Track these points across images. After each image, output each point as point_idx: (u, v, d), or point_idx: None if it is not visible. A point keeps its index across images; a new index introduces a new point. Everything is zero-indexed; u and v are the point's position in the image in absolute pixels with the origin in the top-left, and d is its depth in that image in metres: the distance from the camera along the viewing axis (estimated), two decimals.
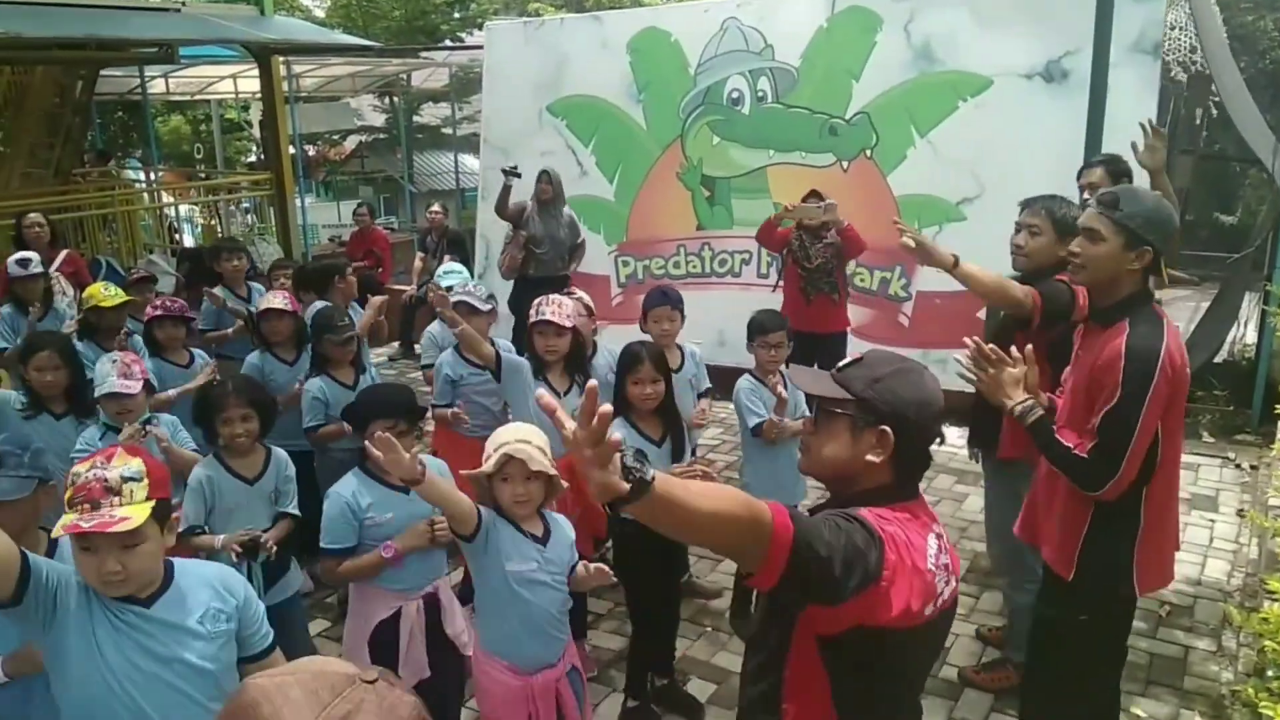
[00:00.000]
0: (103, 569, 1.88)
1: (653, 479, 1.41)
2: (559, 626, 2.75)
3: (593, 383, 1.41)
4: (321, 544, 2.94)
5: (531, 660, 2.69)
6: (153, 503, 1.93)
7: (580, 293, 4.44)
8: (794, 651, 1.76)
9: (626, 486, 1.38)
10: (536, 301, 3.88)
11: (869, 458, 1.75)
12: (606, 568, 2.74)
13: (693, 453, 4.15)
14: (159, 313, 4.51)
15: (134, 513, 1.88)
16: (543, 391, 1.46)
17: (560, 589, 2.73)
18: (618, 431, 3.33)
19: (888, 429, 1.74)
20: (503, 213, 6.97)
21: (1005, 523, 3.54)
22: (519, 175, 6.87)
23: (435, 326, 4.54)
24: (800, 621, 1.71)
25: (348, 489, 2.98)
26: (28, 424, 3.67)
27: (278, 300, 4.54)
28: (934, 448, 1.83)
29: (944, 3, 6.56)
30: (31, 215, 6.14)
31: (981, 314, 4.30)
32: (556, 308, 3.78)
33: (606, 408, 1.35)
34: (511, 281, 6.97)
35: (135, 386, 3.48)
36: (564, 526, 2.82)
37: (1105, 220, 2.57)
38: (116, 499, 1.89)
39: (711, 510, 1.48)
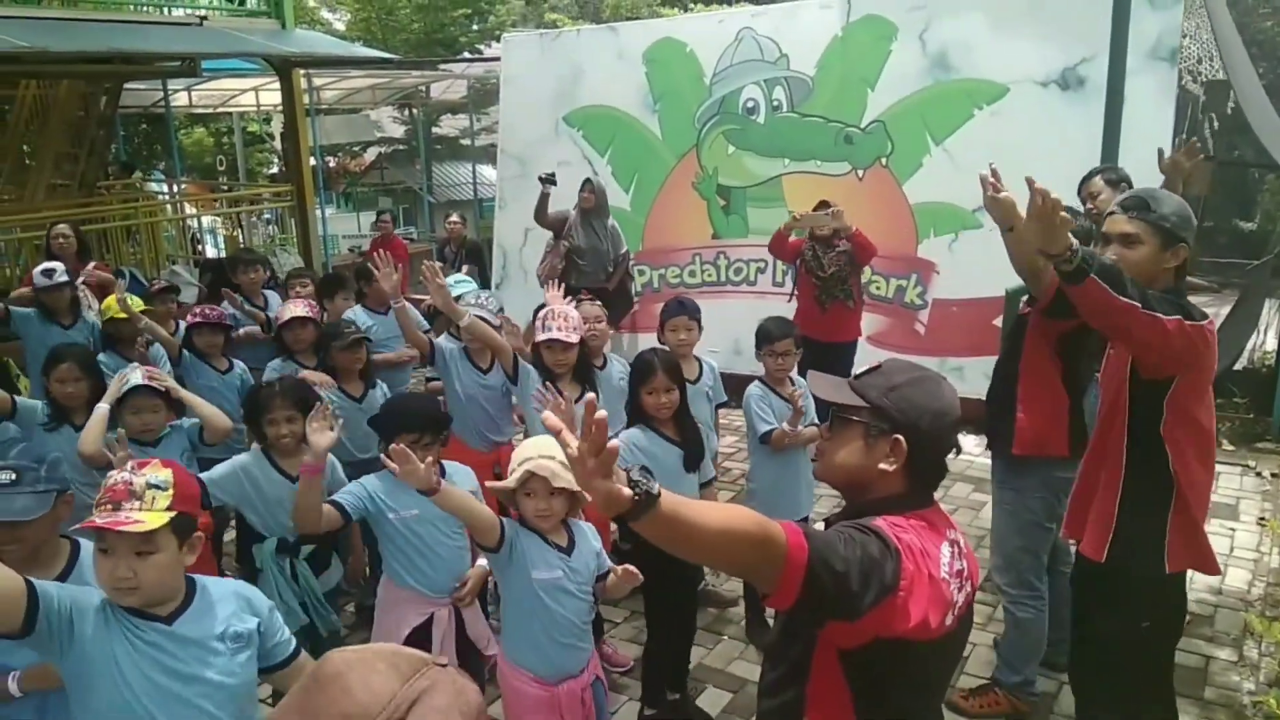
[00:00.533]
0: (115, 573, 1.90)
1: (658, 493, 1.42)
2: (583, 636, 2.77)
3: (590, 395, 1.43)
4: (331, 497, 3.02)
5: (556, 670, 2.71)
6: (173, 514, 1.95)
7: (590, 302, 4.44)
8: (815, 665, 1.75)
9: (629, 493, 1.39)
10: (541, 315, 3.86)
11: (882, 466, 1.75)
12: (634, 569, 2.75)
13: (714, 460, 4.18)
14: (199, 320, 4.60)
15: (150, 518, 1.91)
16: (548, 414, 1.48)
17: (585, 598, 2.75)
18: (639, 437, 3.37)
19: (901, 438, 1.73)
20: (542, 220, 6.88)
21: (1007, 533, 3.50)
22: (555, 183, 6.80)
23: (442, 339, 4.50)
24: (821, 636, 1.71)
25: (372, 482, 3.06)
26: (50, 435, 3.71)
27: (300, 309, 4.59)
28: (950, 457, 1.83)
29: (959, 11, 6.57)
30: (59, 226, 6.21)
31: (998, 321, 4.30)
32: (563, 321, 3.76)
33: (602, 414, 1.37)
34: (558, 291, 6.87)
35: (161, 384, 3.56)
36: (589, 536, 2.83)
37: (1140, 223, 2.58)
38: (138, 503, 1.93)
39: (721, 528, 1.48)
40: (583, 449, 1.38)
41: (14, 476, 2.27)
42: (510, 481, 2.63)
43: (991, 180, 2.98)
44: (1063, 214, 2.33)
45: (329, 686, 1.01)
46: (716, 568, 1.57)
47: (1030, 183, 2.38)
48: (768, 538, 1.50)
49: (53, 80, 10.45)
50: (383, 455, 2.67)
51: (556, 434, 1.42)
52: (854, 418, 1.79)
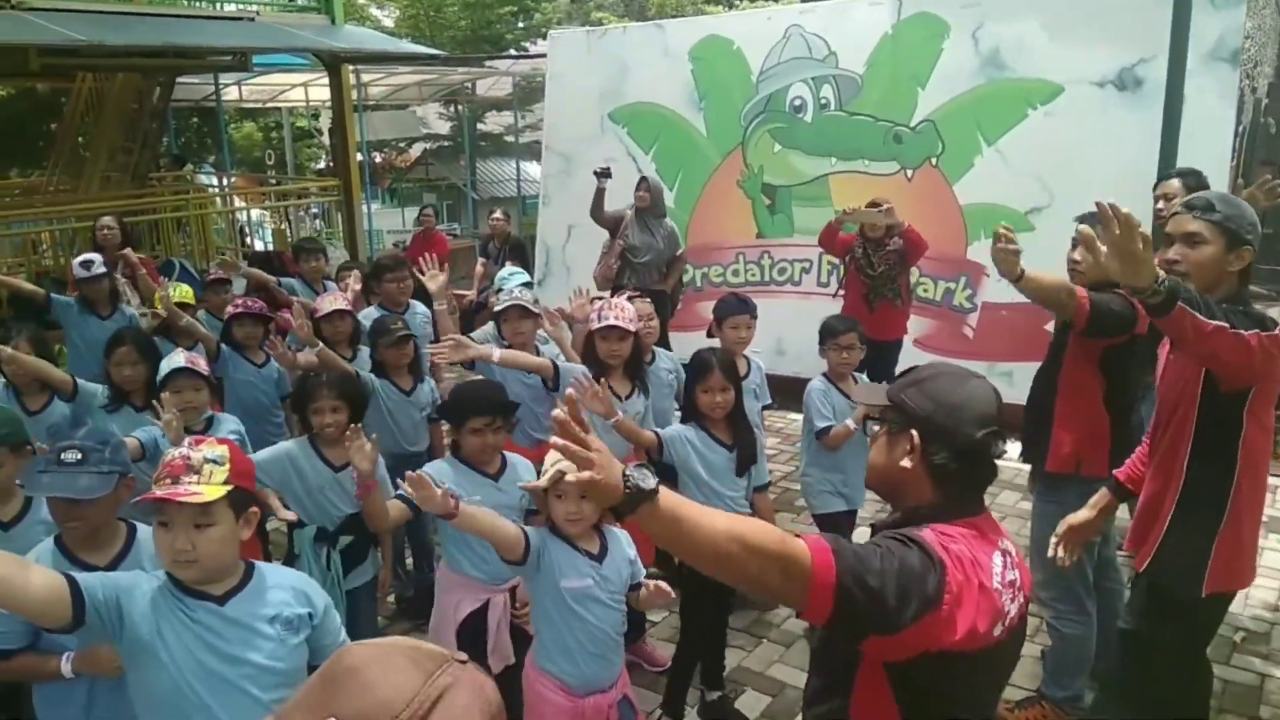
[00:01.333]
0: (174, 545, 1.95)
1: (653, 489, 1.46)
2: (614, 649, 2.72)
3: (569, 392, 1.48)
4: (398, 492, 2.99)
5: (585, 681, 2.65)
6: (229, 488, 1.99)
7: (640, 299, 4.41)
8: (860, 677, 1.72)
9: (619, 485, 1.46)
10: (598, 305, 3.85)
11: (902, 463, 1.73)
12: (666, 586, 2.71)
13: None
14: (240, 310, 4.65)
15: (208, 490, 1.96)
16: (555, 439, 1.50)
17: (617, 608, 2.69)
18: (690, 433, 3.34)
19: (914, 432, 1.72)
20: (598, 218, 6.74)
21: (1049, 547, 3.41)
22: (610, 175, 6.67)
23: (479, 334, 4.46)
24: (866, 648, 1.67)
25: (439, 471, 3.06)
26: (110, 417, 3.77)
27: (340, 302, 4.65)
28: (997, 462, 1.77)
29: (1014, 9, 6.45)
30: (104, 219, 6.24)
31: (1049, 326, 4.20)
32: (620, 311, 3.75)
33: (558, 412, 1.46)
34: (607, 293, 6.65)
35: (202, 368, 3.60)
36: (622, 544, 2.77)
37: (1205, 223, 2.51)
38: (195, 476, 1.97)
39: (729, 535, 1.49)
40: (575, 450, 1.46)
41: (80, 456, 2.32)
42: (542, 481, 2.59)
43: (1005, 232, 3.01)
44: (1143, 233, 2.13)
45: (348, 681, 0.97)
46: (728, 580, 1.54)
47: (1101, 209, 2.11)
48: (788, 556, 1.49)
49: (108, 73, 10.67)
50: (400, 481, 2.64)
51: (567, 451, 1.46)
52: (880, 417, 1.82)
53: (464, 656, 1.03)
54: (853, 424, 3.76)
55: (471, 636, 3.07)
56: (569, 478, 1.50)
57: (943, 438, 1.70)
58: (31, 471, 2.37)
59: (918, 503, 1.74)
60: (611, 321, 3.71)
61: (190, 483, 1.96)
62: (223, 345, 4.63)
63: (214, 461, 2.00)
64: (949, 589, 1.54)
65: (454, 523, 2.59)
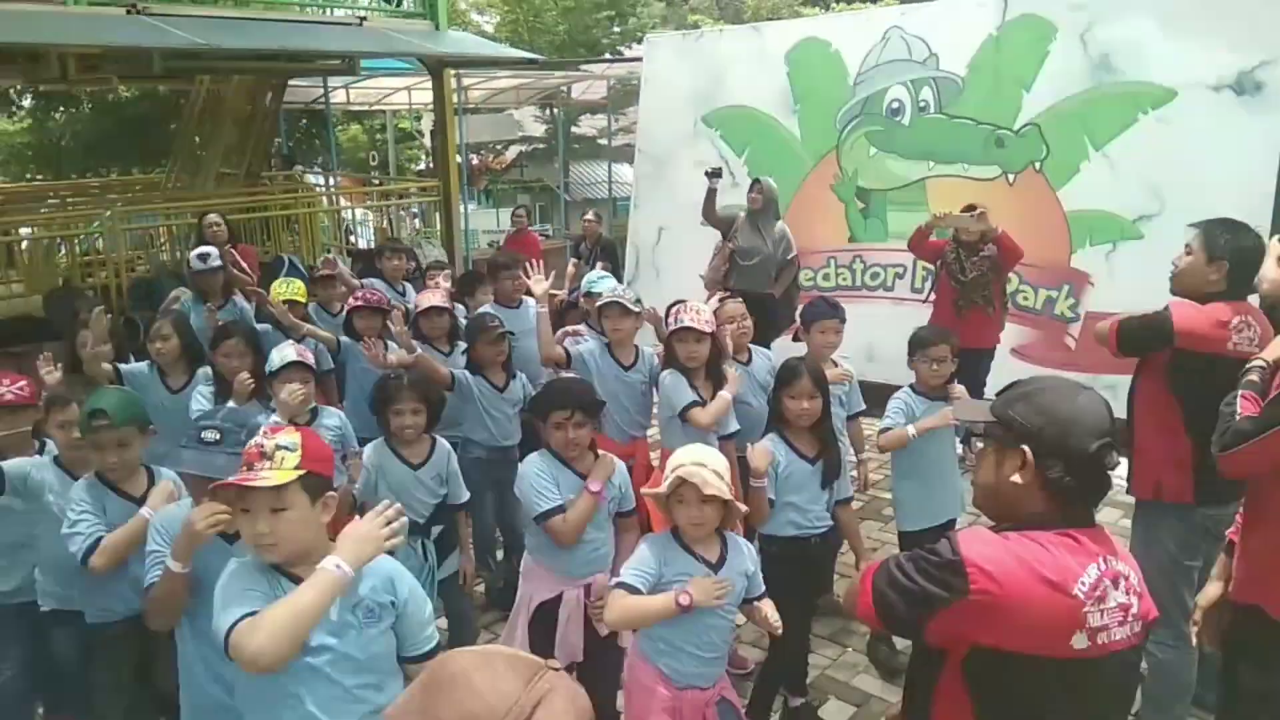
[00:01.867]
0: (255, 529, 2.01)
1: None
2: (719, 651, 2.72)
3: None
4: (539, 510, 3.04)
5: (686, 676, 2.66)
6: (301, 472, 2.03)
7: (732, 300, 4.40)
8: (940, 682, 1.73)
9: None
10: (674, 308, 3.88)
11: (1014, 480, 1.71)
12: (775, 621, 2.69)
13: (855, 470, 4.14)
14: (360, 304, 4.80)
15: (277, 475, 2.01)
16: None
17: (727, 617, 2.69)
18: (776, 453, 3.30)
19: (1026, 449, 1.69)
20: (710, 218, 6.68)
21: (1144, 568, 3.24)
22: (720, 175, 6.65)
23: (579, 347, 4.45)
24: (928, 638, 1.71)
25: (532, 464, 3.13)
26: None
27: (437, 298, 4.79)
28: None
29: (1125, 10, 6.23)
30: (210, 216, 6.54)
31: None
32: (694, 314, 3.77)
33: None
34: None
35: (310, 361, 3.73)
36: (744, 555, 2.73)
37: None
38: (268, 463, 2.03)
39: None
40: None
41: (218, 436, 2.43)
42: (663, 487, 2.61)
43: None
44: None
45: (453, 687, 1.01)
46: None
47: None
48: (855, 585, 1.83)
49: (225, 76, 11.14)
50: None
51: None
52: (988, 433, 1.79)
53: (558, 664, 1.07)
54: (913, 430, 3.67)
55: (543, 628, 3.11)
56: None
57: (1057, 452, 1.67)
58: (174, 447, 2.50)
59: (1023, 514, 1.72)
60: (687, 323, 3.74)
61: (262, 469, 2.02)
62: (342, 338, 4.79)
63: (286, 448, 2.05)
64: (974, 580, 1.59)
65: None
